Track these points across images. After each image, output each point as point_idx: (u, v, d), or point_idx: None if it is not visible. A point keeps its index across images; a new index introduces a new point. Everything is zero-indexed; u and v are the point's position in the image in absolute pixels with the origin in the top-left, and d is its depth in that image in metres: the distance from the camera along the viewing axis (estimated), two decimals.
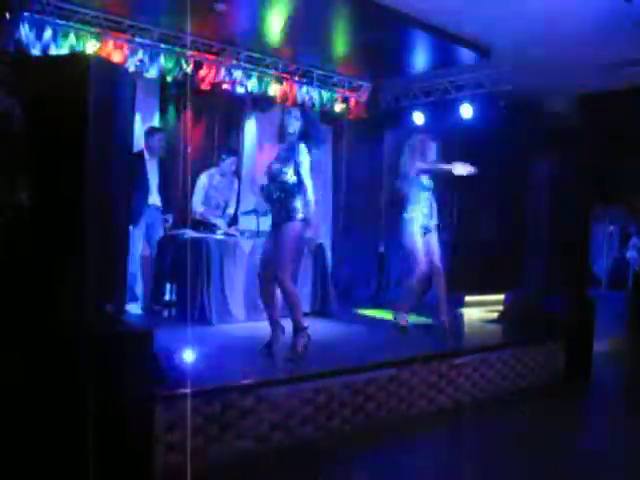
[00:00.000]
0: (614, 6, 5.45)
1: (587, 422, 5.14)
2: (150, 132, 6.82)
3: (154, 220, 6.74)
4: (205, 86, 7.12)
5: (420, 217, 6.16)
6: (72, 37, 6.11)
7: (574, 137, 6.81)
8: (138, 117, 7.06)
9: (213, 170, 6.99)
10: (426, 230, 6.19)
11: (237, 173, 7.45)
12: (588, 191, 6.90)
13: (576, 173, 6.58)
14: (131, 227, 6.46)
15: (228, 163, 6.94)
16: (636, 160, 10.11)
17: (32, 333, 3.19)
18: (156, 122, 7.37)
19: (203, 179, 6.91)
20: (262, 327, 5.90)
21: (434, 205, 6.29)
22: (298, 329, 4.87)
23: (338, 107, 8.46)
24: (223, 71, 7.23)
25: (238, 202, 7.36)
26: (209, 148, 7.74)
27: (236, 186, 7.22)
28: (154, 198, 6.73)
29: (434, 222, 6.26)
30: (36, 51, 5.87)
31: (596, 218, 10.08)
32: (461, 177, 6.16)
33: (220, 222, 6.86)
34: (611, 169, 8.46)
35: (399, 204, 6.39)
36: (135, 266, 6.54)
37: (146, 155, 6.69)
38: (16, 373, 3.14)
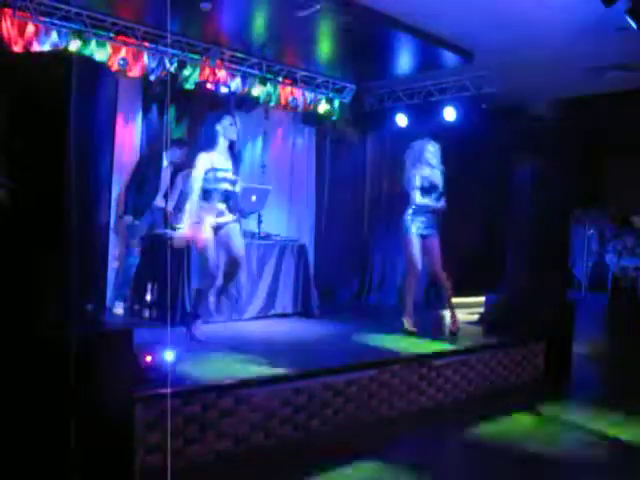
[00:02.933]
0: (597, 11, 5.50)
1: (566, 421, 5.17)
2: (178, 143, 7.00)
3: (156, 219, 6.91)
4: (189, 86, 7.10)
5: (418, 221, 6.18)
6: (54, 35, 6.07)
7: (556, 140, 6.87)
8: (120, 116, 7.04)
9: (188, 170, 7.00)
10: (425, 234, 6.20)
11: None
12: (569, 193, 6.96)
13: (557, 175, 6.63)
14: (136, 221, 6.74)
15: (177, 154, 6.94)
16: (617, 163, 10.22)
17: (11, 332, 3.17)
18: (139, 122, 7.34)
19: (178, 181, 6.93)
20: (242, 326, 5.93)
21: (438, 209, 6.27)
22: None
23: (322, 108, 8.48)
24: (207, 71, 7.21)
25: None
26: (191, 148, 7.69)
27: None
28: (159, 200, 6.93)
29: (433, 227, 6.25)
30: (18, 48, 5.82)
31: (576, 221, 10.17)
32: (444, 178, 6.21)
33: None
34: (592, 172, 8.55)
35: (401, 205, 6.39)
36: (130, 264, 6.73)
37: (165, 162, 6.88)
38: None
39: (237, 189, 5.40)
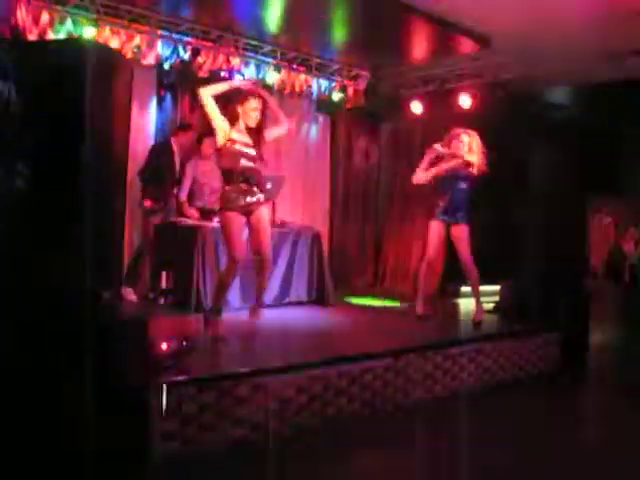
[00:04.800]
0: None
1: (583, 410, 5.14)
2: (183, 128, 7.01)
3: (172, 208, 6.94)
4: (203, 73, 7.08)
5: (440, 206, 6.17)
6: (69, 23, 6.06)
7: (573, 127, 6.80)
8: (135, 104, 7.04)
9: (196, 157, 7.01)
10: (448, 220, 6.17)
11: None
12: (586, 181, 6.89)
13: (574, 163, 6.57)
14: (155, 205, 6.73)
15: (206, 146, 6.92)
16: (635, 150, 10.10)
17: (27, 320, 3.18)
18: (153, 110, 7.34)
19: (188, 169, 6.94)
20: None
21: (463, 197, 6.22)
22: None
23: (336, 96, 8.42)
24: (221, 58, 7.18)
25: None
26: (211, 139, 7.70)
27: None
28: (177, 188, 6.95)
29: (460, 214, 6.19)
30: (33, 36, 5.82)
31: (593, 209, 10.07)
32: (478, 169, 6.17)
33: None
34: (609, 160, 8.46)
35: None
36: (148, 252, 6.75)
37: (174, 148, 6.87)
38: (11, 359, 3.14)
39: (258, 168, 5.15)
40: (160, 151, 6.86)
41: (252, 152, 5.08)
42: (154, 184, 6.71)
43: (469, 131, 6.25)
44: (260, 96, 5.15)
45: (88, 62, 3.27)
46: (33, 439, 3.11)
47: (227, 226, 5.01)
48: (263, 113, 5.16)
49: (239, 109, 5.09)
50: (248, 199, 5.04)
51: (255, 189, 5.09)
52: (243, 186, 5.03)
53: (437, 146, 6.22)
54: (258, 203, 5.10)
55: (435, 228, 6.19)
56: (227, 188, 5.05)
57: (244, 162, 5.04)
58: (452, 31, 6.70)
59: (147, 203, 6.70)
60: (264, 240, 5.13)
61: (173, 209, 6.98)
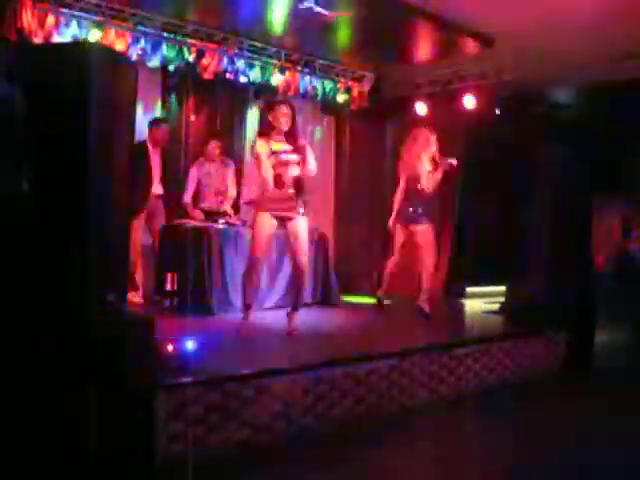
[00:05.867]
0: None
1: (589, 411, 5.12)
2: (155, 123, 6.84)
3: (155, 209, 6.78)
4: (208, 75, 7.09)
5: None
6: (74, 25, 6.08)
7: (576, 127, 6.79)
8: (140, 106, 7.06)
9: (201, 159, 7.01)
10: (408, 220, 6.38)
11: (229, 155, 7.43)
12: (590, 181, 6.88)
13: (578, 163, 6.56)
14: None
15: (211, 147, 6.91)
16: (639, 149, 10.05)
17: (33, 321, 3.19)
18: (158, 112, 7.35)
19: (193, 171, 6.93)
20: (261, 316, 5.91)
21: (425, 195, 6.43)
22: None
23: (340, 97, 8.43)
24: (226, 60, 7.19)
25: (239, 185, 7.39)
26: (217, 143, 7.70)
27: (231, 168, 7.21)
28: (156, 187, 6.76)
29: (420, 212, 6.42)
30: (39, 39, 5.84)
31: (597, 209, 10.04)
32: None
33: (227, 209, 6.91)
34: (613, 159, 8.43)
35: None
36: (135, 255, 6.56)
37: (149, 145, 6.71)
38: (17, 360, 3.15)
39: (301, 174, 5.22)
40: (132, 155, 6.71)
41: (294, 158, 5.18)
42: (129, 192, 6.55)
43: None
44: (290, 105, 5.28)
45: (93, 65, 3.28)
46: (38, 440, 3.13)
47: (255, 225, 5.19)
48: (293, 120, 5.25)
49: (270, 117, 5.20)
50: (286, 207, 5.15)
51: (294, 197, 5.17)
52: (285, 193, 5.13)
53: (452, 160, 6.34)
54: (296, 212, 5.19)
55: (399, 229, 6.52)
56: (267, 192, 5.14)
57: (290, 170, 5.16)
58: (456, 32, 6.71)
59: None
60: (299, 249, 5.24)
61: (157, 209, 6.82)
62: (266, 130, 5.27)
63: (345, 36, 7.30)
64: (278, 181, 5.09)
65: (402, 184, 6.52)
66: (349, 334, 5.83)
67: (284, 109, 5.21)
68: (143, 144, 6.66)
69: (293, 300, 5.59)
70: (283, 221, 5.19)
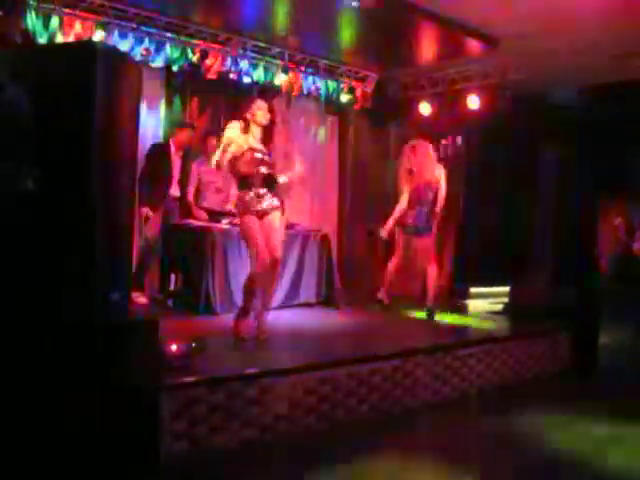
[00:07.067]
0: None
1: (593, 411, 5.10)
2: (180, 126, 6.98)
3: (171, 210, 6.86)
4: (211, 75, 7.10)
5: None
6: (78, 26, 6.09)
7: (580, 127, 6.78)
8: (144, 106, 7.06)
9: (202, 157, 7.02)
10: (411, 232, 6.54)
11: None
12: (594, 182, 6.88)
13: (581, 163, 6.56)
14: (151, 212, 6.54)
15: (209, 144, 6.91)
16: None
17: (37, 322, 3.20)
18: (162, 112, 7.36)
19: (193, 168, 6.96)
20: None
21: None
22: None
23: (344, 97, 8.43)
24: (229, 60, 7.20)
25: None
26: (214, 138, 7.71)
27: None
28: (174, 189, 6.86)
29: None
30: (43, 40, 5.85)
31: (603, 210, 10.03)
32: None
33: (231, 208, 6.89)
34: (619, 159, 8.42)
35: None
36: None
37: (172, 148, 6.80)
38: (21, 361, 3.15)
39: (275, 174, 5.25)
40: (155, 154, 6.74)
41: (268, 159, 5.19)
42: (149, 190, 6.47)
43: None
44: (266, 99, 5.32)
45: (97, 65, 3.28)
46: (42, 439, 3.13)
47: (248, 230, 5.14)
48: (272, 120, 5.23)
49: (248, 114, 5.17)
50: (265, 204, 5.15)
51: (269, 194, 5.19)
52: (259, 191, 5.14)
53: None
54: (272, 208, 5.19)
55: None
56: (242, 193, 5.14)
57: (262, 169, 5.15)
58: (460, 32, 6.70)
59: (143, 211, 6.48)
60: (275, 243, 5.17)
61: (172, 210, 6.89)
62: (245, 126, 5.16)
63: (348, 36, 7.30)
64: (247, 180, 5.12)
65: (406, 195, 6.49)
66: (352, 334, 5.82)
67: (261, 103, 5.21)
68: (167, 145, 6.79)
69: (264, 298, 5.34)
70: (261, 218, 5.15)
